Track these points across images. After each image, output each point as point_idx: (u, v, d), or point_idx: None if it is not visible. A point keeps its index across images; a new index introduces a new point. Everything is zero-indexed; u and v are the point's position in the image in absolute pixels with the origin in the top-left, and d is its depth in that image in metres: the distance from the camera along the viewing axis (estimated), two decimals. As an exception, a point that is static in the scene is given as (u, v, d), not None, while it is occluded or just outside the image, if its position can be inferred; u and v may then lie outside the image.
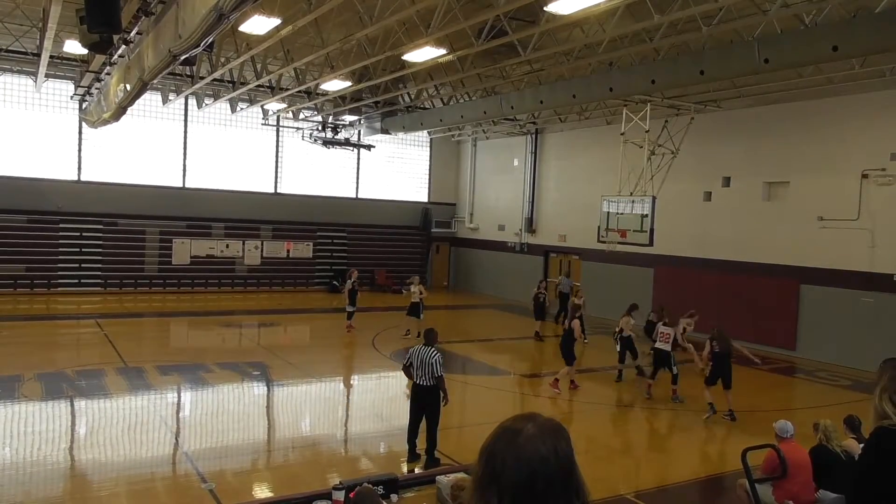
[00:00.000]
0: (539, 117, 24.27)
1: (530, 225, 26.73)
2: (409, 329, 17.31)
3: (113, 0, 8.80)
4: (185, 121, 24.93)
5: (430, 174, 30.62)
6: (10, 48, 17.82)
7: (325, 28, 14.28)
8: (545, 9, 11.49)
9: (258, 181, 26.50)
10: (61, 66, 19.13)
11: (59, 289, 22.96)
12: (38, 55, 16.36)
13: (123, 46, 12.72)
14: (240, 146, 25.95)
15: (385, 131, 25.74)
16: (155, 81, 12.96)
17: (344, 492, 6.76)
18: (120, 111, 15.19)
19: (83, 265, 23.46)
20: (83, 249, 23.43)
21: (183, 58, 9.82)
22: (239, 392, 12.69)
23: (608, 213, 18.21)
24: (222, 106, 23.47)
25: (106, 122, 17.40)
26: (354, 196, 28.74)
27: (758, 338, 17.45)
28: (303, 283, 27.12)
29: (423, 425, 8.79)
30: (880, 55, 13.31)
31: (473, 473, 1.70)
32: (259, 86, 19.41)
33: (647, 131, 17.65)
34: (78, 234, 23.32)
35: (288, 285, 26.75)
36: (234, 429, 10.64)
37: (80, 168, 23.42)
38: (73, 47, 14.70)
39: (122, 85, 13.87)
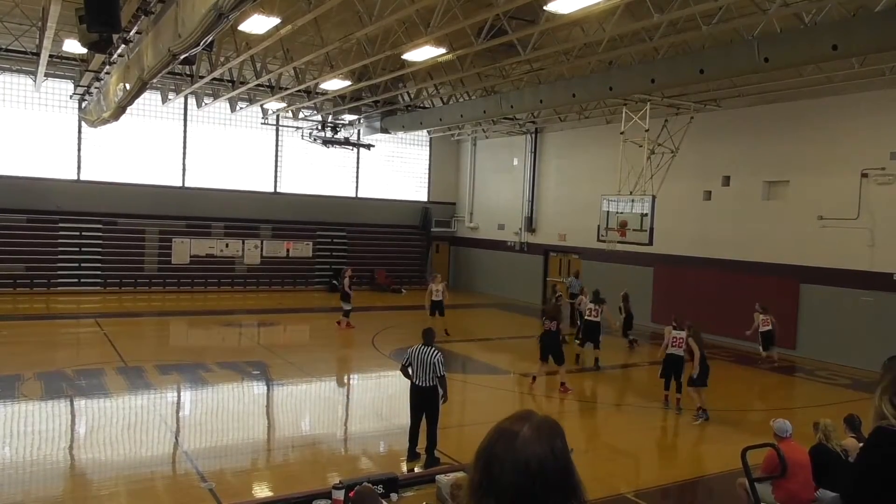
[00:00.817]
0: (539, 116, 24.26)
1: (530, 224, 26.73)
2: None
3: (112, -1, 8.79)
4: (185, 120, 24.92)
5: (429, 173, 30.61)
6: (9, 47, 17.80)
7: (325, 27, 14.28)
8: (545, 8, 11.48)
9: (258, 181, 26.49)
10: (61, 65, 19.11)
11: (59, 288, 22.95)
12: (38, 54, 16.34)
13: (123, 46, 12.72)
14: (239, 145, 25.95)
15: (384, 130, 25.72)
16: (154, 81, 12.95)
17: (344, 491, 6.75)
18: (119, 110, 15.18)
19: (83, 265, 23.44)
20: (83, 249, 23.42)
21: (182, 57, 9.82)
22: (239, 391, 12.69)
23: (608, 212, 18.22)
24: (222, 105, 23.47)
25: (105, 121, 17.39)
26: (354, 195, 28.73)
27: (758, 337, 17.45)
28: (302, 283, 27.12)
29: (422, 425, 8.78)
30: (880, 54, 13.30)
31: (470, 476, 1.69)
32: (258, 85, 19.39)
33: (646, 130, 17.64)
34: (77, 233, 23.31)
35: (287, 285, 26.75)
36: (234, 428, 10.65)
37: (79, 167, 23.41)
38: (73, 46, 14.68)
39: (121, 84, 13.86)
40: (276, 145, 26.88)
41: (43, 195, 22.52)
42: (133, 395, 11.66)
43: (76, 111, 22.83)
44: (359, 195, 28.82)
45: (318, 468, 8.70)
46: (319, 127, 25.32)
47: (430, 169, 30.61)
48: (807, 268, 17.25)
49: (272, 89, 20.41)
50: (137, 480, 8.05)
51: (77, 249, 23.34)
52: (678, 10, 11.33)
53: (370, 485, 6.96)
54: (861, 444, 6.81)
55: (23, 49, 17.75)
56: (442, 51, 14.54)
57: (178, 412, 11.49)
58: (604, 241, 18.56)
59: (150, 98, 22.40)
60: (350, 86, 18.93)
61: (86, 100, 20.86)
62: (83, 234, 23.38)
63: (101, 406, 11.06)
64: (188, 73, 18.88)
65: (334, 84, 18.80)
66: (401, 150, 29.65)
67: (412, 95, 22.51)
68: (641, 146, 17.87)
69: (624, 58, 15.73)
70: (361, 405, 12.73)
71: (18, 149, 22.28)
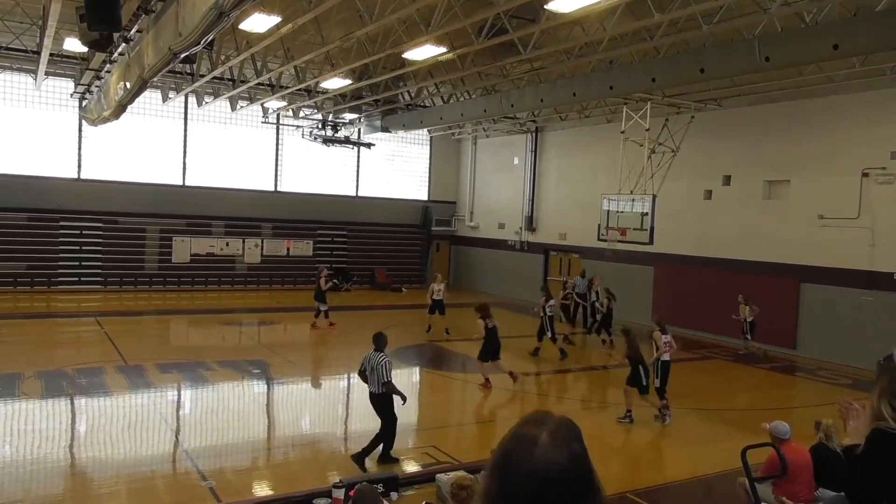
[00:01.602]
0: (539, 115, 24.24)
1: (530, 223, 26.72)
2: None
3: (113, -2, 8.79)
4: (185, 119, 24.92)
5: (430, 172, 30.60)
6: (9, 46, 17.80)
7: (326, 26, 14.27)
8: (545, 7, 11.47)
9: (258, 179, 26.49)
10: (61, 63, 19.10)
11: (60, 287, 22.96)
12: (38, 53, 16.34)
13: (123, 44, 12.72)
14: (240, 144, 25.94)
15: (385, 129, 25.72)
16: (155, 79, 12.95)
17: (344, 490, 6.75)
18: (120, 109, 15.18)
19: (83, 263, 23.46)
20: (83, 248, 23.43)
21: (183, 56, 9.82)
22: (239, 390, 12.70)
23: (608, 211, 18.22)
24: (222, 104, 23.46)
25: (106, 120, 17.39)
26: (354, 194, 28.73)
27: (759, 336, 17.45)
28: (303, 282, 27.10)
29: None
30: (881, 53, 13.29)
31: (485, 481, 1.63)
32: (259, 84, 19.39)
33: (647, 130, 17.64)
34: (78, 232, 23.32)
35: (288, 283, 26.75)
36: (235, 427, 10.65)
37: (80, 166, 23.42)
38: (73, 45, 14.68)
39: (122, 83, 13.86)
40: (277, 144, 26.88)
41: (43, 194, 22.52)
42: (133, 394, 11.66)
43: (77, 110, 22.83)
44: (359, 194, 28.82)
45: (318, 467, 8.70)
46: (320, 126, 25.32)
47: (430, 168, 30.60)
48: (807, 267, 17.24)
49: (272, 88, 20.40)
50: (138, 479, 8.06)
51: (77, 248, 23.35)
52: (679, 10, 11.32)
53: (370, 484, 6.96)
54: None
55: (23, 47, 17.75)
56: (442, 49, 14.53)
57: (178, 411, 11.50)
58: (604, 241, 18.57)
59: (150, 97, 22.39)
60: (350, 84, 18.92)
61: (86, 98, 20.86)
62: (83, 232, 23.39)
63: (102, 405, 11.07)
64: (189, 71, 18.87)
65: (335, 83, 18.80)
66: (401, 148, 29.64)
67: (413, 94, 22.50)
68: (642, 145, 17.86)
69: (624, 57, 15.72)
70: (361, 404, 12.68)
71: (19, 147, 22.28)
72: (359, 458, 8.50)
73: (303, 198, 27.10)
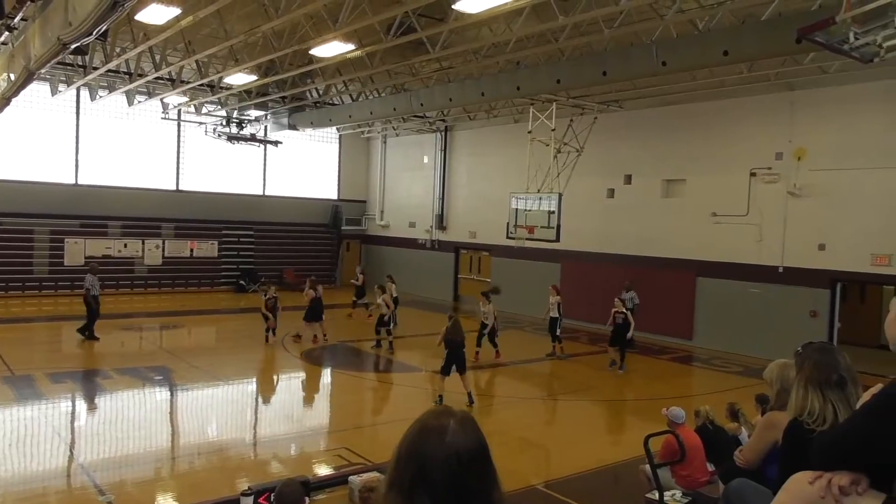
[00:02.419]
0: (448, 115, 24.43)
1: (441, 222, 26.88)
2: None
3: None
4: (78, 113, 23.57)
5: (339, 171, 30.26)
6: None
7: (229, 20, 13.84)
8: (453, 7, 11.56)
9: (158, 178, 25.39)
10: (-65, 52, 17.67)
11: (-64, 293, 21.26)
12: None
13: (7, 33, 11.90)
14: (138, 141, 24.75)
15: (293, 127, 25.24)
16: (43, 71, 12.18)
17: (253, 497, 6.58)
18: (4, 102, 14.21)
19: (-37, 267, 21.81)
20: (-37, 251, 21.79)
21: (74, 46, 9.27)
22: (140, 398, 12.13)
23: (517, 209, 18.58)
24: (118, 98, 22.33)
25: (-13, 113, 16.20)
26: (262, 193, 28.03)
27: (659, 329, 18.28)
28: (208, 284, 26.24)
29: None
30: (766, 60, 14.21)
31: (393, 475, 1.68)
32: (158, 78, 18.59)
33: (553, 130, 18.10)
34: (-43, 234, 21.67)
35: (192, 286, 25.80)
36: (135, 437, 10.16)
37: (-42, 163, 21.75)
38: (-51, 32, 13.59)
39: (5, 74, 12.97)
40: (178, 141, 25.85)
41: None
42: (22, 407, 10.92)
43: (-46, 102, 21.17)
44: (266, 193, 28.14)
45: (227, 474, 8.43)
46: (224, 123, 24.53)
47: (339, 166, 30.26)
48: (702, 262, 18.17)
49: (173, 83, 19.60)
50: (28, 497, 7.55)
51: (-44, 251, 21.69)
52: (582, 13, 11.67)
53: (293, 480, 6.72)
54: (740, 428, 7.32)
55: None
56: (351, 47, 14.39)
57: (72, 423, 10.86)
58: (513, 238, 18.92)
59: (38, 89, 21.06)
60: (256, 81, 18.43)
61: (-36, 90, 19.37)
62: (-37, 234, 21.74)
63: (-14, 419, 10.31)
64: (80, 63, 17.88)
65: (239, 78, 18.27)
66: (310, 147, 29.15)
67: (321, 92, 22.17)
68: (548, 145, 18.31)
69: (531, 58, 16.06)
70: (271, 408, 12.44)
71: None
72: None
73: (207, 197, 26.19)
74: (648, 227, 19.41)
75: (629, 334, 14.76)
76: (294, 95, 21.65)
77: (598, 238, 20.54)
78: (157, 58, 16.98)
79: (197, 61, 17.05)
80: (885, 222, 14.83)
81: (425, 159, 27.74)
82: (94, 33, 8.45)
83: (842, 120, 15.69)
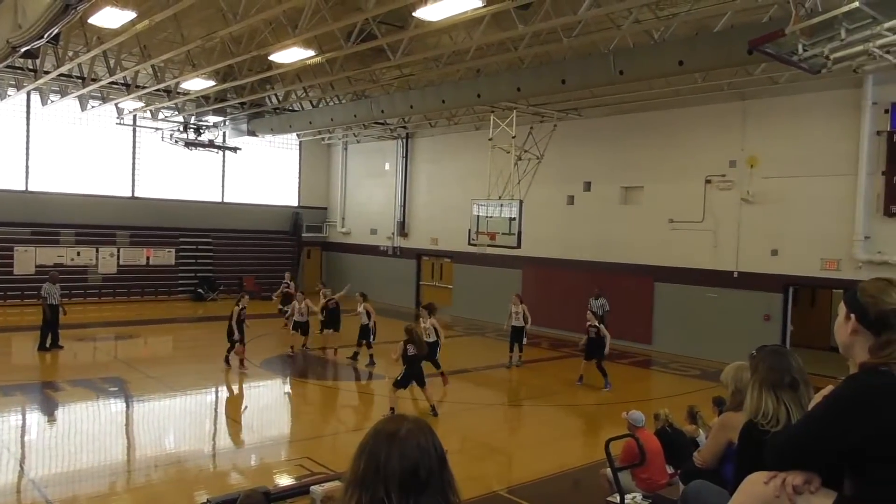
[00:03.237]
0: (409, 121, 24.45)
1: (402, 228, 26.85)
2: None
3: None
4: (28, 118, 22.94)
5: (300, 178, 30.01)
6: None
7: (186, 24, 13.63)
8: (413, 14, 11.58)
9: (113, 184, 24.84)
10: None
11: None
12: None
13: (-48, 35, 11.52)
14: (91, 147, 24.19)
15: (252, 133, 24.96)
16: (-9, 75, 11.84)
17: (212, 509, 6.45)
18: (-51, 106, 13.74)
19: None
20: None
21: (24, 50, 9.04)
22: (93, 410, 11.82)
23: (478, 216, 18.67)
24: (70, 103, 21.79)
25: (-68, 118, 15.67)
26: (220, 200, 27.62)
27: (619, 333, 18.45)
28: (165, 292, 25.71)
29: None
30: (720, 70, 14.56)
31: (351, 473, 1.78)
32: (112, 83, 18.21)
33: (513, 137, 18.25)
34: None
35: (149, 294, 25.26)
36: (89, 450, 9.89)
37: None
38: None
39: (-49, 77, 12.55)
40: (134, 147, 25.33)
41: None
42: (-31, 421, 10.55)
43: None
44: (225, 200, 27.74)
45: (185, 486, 8.26)
46: (181, 128, 24.12)
47: (300, 173, 30.02)
48: (660, 267, 18.49)
49: (128, 88, 19.22)
50: (-25, 515, 7.29)
51: None
52: (541, 23, 11.80)
53: (255, 491, 6.62)
54: (698, 431, 7.58)
55: None
56: (310, 53, 14.31)
57: (22, 437, 10.51)
58: (474, 245, 19.00)
59: (-15, 93, 20.43)
60: (214, 86, 18.19)
61: None
62: None
63: (-70, 435, 9.93)
64: (31, 67, 17.41)
65: (196, 84, 18.00)
66: (269, 153, 28.84)
67: (280, 98, 21.98)
68: (509, 152, 18.46)
69: (491, 66, 16.18)
70: (230, 418, 12.24)
71: None
72: None
73: (163, 204, 25.71)
74: (607, 233, 19.68)
75: (606, 350, 13.75)
76: (253, 101, 21.41)
77: (558, 244, 20.75)
78: (112, 62, 16.63)
79: (153, 66, 16.75)
80: (834, 228, 15.29)
81: (387, 166, 27.70)
82: (46, 36, 8.26)
83: (792, 129, 16.16)
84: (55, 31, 8.23)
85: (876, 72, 13.01)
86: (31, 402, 11.90)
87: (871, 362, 2.10)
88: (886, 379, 2.04)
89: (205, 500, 6.74)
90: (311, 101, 22.30)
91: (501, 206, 18.05)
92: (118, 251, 24.81)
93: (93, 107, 21.97)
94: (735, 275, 17.07)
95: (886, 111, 14.71)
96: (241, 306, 14.80)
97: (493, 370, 15.97)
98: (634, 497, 6.72)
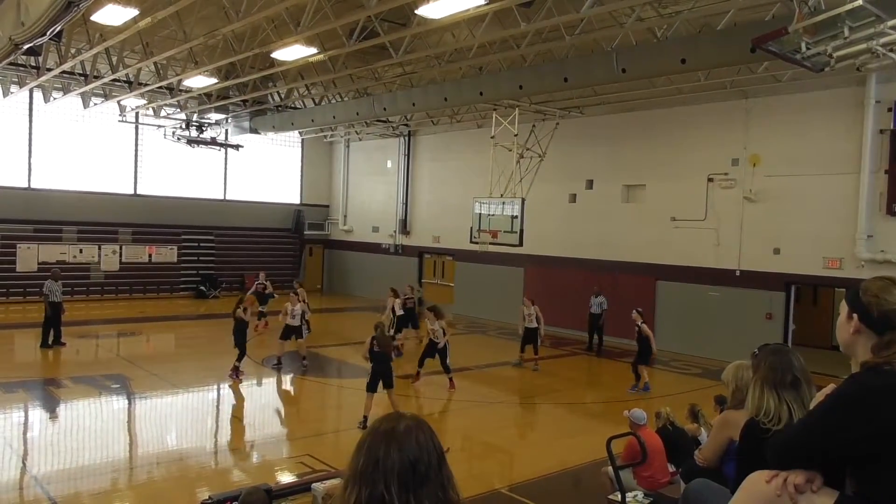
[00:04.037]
0: (411, 119, 24.43)
1: (404, 226, 26.85)
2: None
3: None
4: (31, 115, 22.97)
5: (302, 175, 30.02)
6: None
7: (188, 21, 13.63)
8: (416, 12, 11.58)
9: (115, 181, 24.86)
10: None
11: None
12: None
13: (-45, 32, 11.53)
14: (94, 144, 24.21)
15: (254, 131, 24.96)
16: (-7, 72, 11.86)
17: (214, 506, 6.47)
18: (-48, 103, 13.76)
19: None
20: None
21: (26, 47, 9.05)
22: (96, 407, 11.85)
23: (480, 214, 18.67)
24: (73, 100, 21.81)
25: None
26: (222, 198, 27.64)
27: (620, 332, 18.47)
28: (167, 289, 25.75)
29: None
30: (722, 68, 14.54)
31: (350, 469, 1.81)
32: (115, 80, 18.21)
33: (515, 135, 18.23)
34: None
35: (151, 292, 25.31)
36: (91, 447, 9.92)
37: None
38: None
39: (-47, 75, 12.57)
40: (136, 144, 25.35)
41: None
42: (-29, 418, 10.58)
43: None
44: (227, 197, 27.75)
45: (187, 484, 8.28)
46: (183, 126, 24.13)
47: (302, 171, 30.02)
48: (662, 266, 18.48)
49: (130, 85, 19.23)
50: (-23, 511, 7.32)
51: None
52: (543, 20, 11.79)
53: (257, 489, 6.63)
54: (700, 429, 7.46)
55: None
56: (313, 51, 14.30)
57: (25, 434, 10.54)
58: (476, 243, 19.00)
59: (-12, 91, 20.46)
60: (216, 83, 18.19)
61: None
62: None
63: (-67, 431, 9.96)
64: (34, 64, 17.42)
65: (199, 81, 18.00)
66: (271, 150, 28.85)
67: (283, 95, 21.97)
68: (511, 150, 18.45)
69: (493, 64, 16.16)
70: (232, 415, 12.25)
71: None
72: None
73: (166, 201, 25.73)
74: (610, 231, 19.66)
75: (653, 350, 13.53)
76: (255, 99, 21.42)
77: (560, 242, 20.74)
78: (114, 59, 16.64)
79: (155, 63, 16.76)
80: (837, 227, 15.27)
81: (389, 164, 27.69)
82: (48, 34, 8.27)
83: (794, 127, 16.13)
84: (58, 28, 8.25)
85: (879, 70, 12.96)
86: (33, 399, 11.93)
87: (873, 362, 2.10)
88: (888, 378, 2.04)
89: (206, 498, 6.75)
90: (313, 99, 22.29)
91: (503, 204, 18.04)
92: (120, 248, 24.84)
93: (95, 104, 21.97)
94: (737, 273, 17.05)
95: (889, 109, 14.68)
96: (246, 311, 14.22)
97: (494, 368, 15.97)
98: (636, 495, 6.72)
